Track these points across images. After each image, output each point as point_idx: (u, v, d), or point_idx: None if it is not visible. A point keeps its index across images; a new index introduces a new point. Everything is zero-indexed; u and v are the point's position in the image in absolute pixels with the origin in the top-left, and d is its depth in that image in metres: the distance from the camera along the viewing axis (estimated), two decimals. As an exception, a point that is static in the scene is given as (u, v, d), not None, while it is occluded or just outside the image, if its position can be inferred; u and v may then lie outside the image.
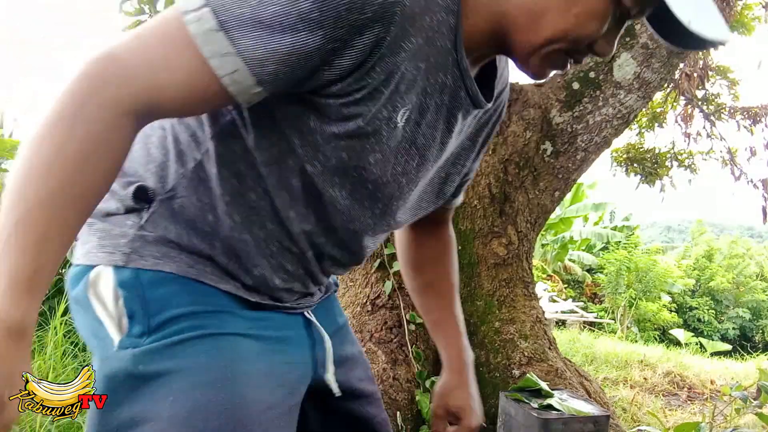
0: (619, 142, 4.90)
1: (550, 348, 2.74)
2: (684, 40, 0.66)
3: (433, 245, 1.06)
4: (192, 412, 0.64)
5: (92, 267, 0.70)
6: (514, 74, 1.02)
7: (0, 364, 0.54)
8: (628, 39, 2.62)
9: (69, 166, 0.55)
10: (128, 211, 0.72)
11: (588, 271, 17.05)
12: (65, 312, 2.03)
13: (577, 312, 12.06)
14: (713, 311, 18.45)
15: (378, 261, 2.67)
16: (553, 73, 0.74)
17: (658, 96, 4.52)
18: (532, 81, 2.02)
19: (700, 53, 4.00)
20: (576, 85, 2.71)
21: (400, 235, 1.09)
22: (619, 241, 16.69)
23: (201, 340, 0.68)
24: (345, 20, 0.58)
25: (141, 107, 0.58)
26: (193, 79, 0.58)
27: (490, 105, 0.79)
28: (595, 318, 12.56)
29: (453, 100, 0.72)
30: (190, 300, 0.69)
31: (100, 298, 0.69)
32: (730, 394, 1.80)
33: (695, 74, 4.15)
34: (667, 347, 8.44)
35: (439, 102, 0.71)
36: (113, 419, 0.65)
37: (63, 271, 2.47)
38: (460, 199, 1.01)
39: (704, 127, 4.69)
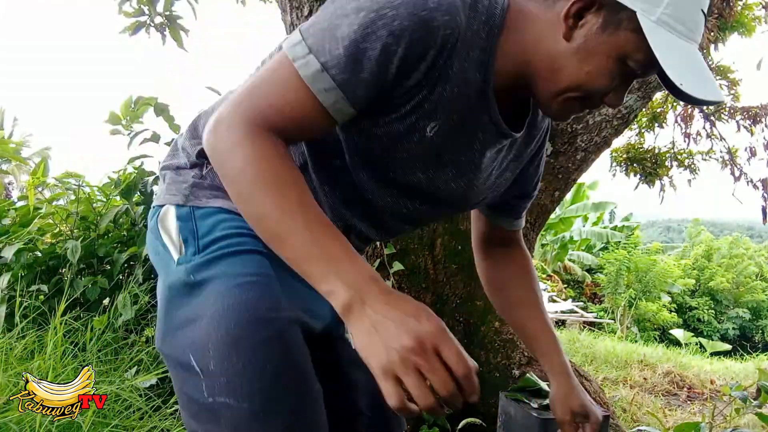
0: (619, 142, 4.90)
1: (550, 348, 2.74)
2: (684, 95, 0.77)
3: (511, 265, 1.17)
4: (228, 309, 0.75)
5: (162, 206, 0.90)
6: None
7: (407, 304, 0.66)
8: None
9: (277, 181, 0.71)
10: (193, 166, 0.92)
11: (588, 271, 17.06)
12: (65, 312, 2.04)
13: (576, 312, 12.07)
14: (713, 311, 18.47)
15: (378, 261, 2.67)
16: (572, 117, 0.87)
17: (658, 96, 4.52)
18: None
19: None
20: (576, 85, 2.71)
21: (479, 262, 1.20)
22: (619, 241, 16.71)
23: (240, 253, 0.82)
24: (414, 50, 0.73)
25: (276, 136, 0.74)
26: (307, 110, 0.74)
27: (518, 135, 0.90)
28: (595, 318, 12.57)
29: (477, 123, 0.84)
30: (233, 225, 0.84)
31: (166, 229, 0.87)
32: (730, 394, 1.80)
33: (695, 74, 4.12)
34: (667, 347, 8.44)
35: (463, 121, 0.83)
36: (175, 319, 0.81)
37: (62, 271, 2.47)
38: (522, 221, 1.15)
39: (704, 127, 4.68)
